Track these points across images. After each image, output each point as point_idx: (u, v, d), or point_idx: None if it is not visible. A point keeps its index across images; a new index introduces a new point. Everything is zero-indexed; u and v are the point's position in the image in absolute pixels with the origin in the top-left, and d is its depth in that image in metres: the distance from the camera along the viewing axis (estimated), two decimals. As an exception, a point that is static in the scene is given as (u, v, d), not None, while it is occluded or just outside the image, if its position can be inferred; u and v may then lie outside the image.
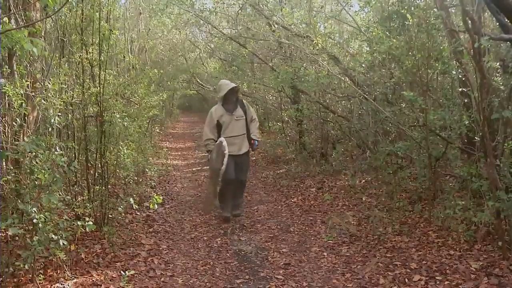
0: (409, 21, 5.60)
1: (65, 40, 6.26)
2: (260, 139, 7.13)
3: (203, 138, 6.50)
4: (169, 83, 16.90)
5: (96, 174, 5.94)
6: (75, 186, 5.94)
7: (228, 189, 6.43)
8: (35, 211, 3.77)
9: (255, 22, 10.64)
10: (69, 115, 5.97)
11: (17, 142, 4.24)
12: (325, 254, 5.11)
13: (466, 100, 5.35)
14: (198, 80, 19.75)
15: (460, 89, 5.47)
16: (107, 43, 6.01)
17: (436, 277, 4.03)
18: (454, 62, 5.44)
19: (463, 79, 5.27)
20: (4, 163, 4.50)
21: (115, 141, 6.30)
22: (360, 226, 5.77)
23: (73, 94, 5.93)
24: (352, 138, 9.03)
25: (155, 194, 5.78)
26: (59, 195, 4.42)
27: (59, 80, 5.34)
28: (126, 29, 11.44)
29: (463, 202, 4.85)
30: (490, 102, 4.34)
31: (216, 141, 6.24)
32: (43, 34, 5.44)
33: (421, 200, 6.00)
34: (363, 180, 7.72)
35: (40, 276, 4.06)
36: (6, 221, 3.67)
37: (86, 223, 4.34)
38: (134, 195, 6.54)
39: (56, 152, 4.29)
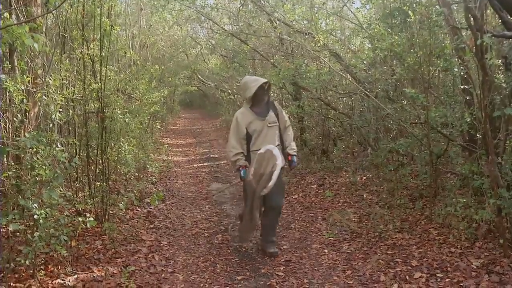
0: (411, 18, 5.58)
1: (66, 35, 6.25)
2: (297, 153, 5.24)
3: (229, 153, 4.92)
4: (170, 79, 16.90)
5: (97, 170, 5.94)
6: (76, 182, 5.95)
7: (265, 219, 5.09)
8: (36, 207, 3.77)
9: (257, 19, 10.61)
10: (70, 111, 5.97)
11: (18, 138, 4.24)
12: (326, 251, 5.10)
13: (467, 98, 5.34)
14: (199, 76, 19.75)
15: (462, 87, 5.45)
16: (108, 39, 6.01)
17: (437, 275, 4.03)
18: (456, 59, 5.43)
19: (465, 76, 5.26)
20: (5, 159, 4.50)
21: (116, 137, 6.30)
22: (361, 223, 5.76)
23: (74, 90, 5.93)
24: (353, 135, 9.02)
25: (156, 190, 5.80)
26: (60, 191, 4.43)
27: (60, 76, 5.34)
28: (127, 25, 11.43)
29: (464, 200, 4.85)
30: (492, 100, 4.33)
31: (244, 154, 4.90)
32: (44, 30, 5.44)
33: (422, 197, 5.99)
34: (364, 177, 7.71)
35: (41, 272, 4.06)
36: (7, 217, 3.67)
37: (87, 219, 4.35)
38: (135, 191, 6.56)
39: (57, 148, 4.29)
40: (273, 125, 4.92)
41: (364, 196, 6.85)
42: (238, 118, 4.91)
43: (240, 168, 4.85)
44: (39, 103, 5.02)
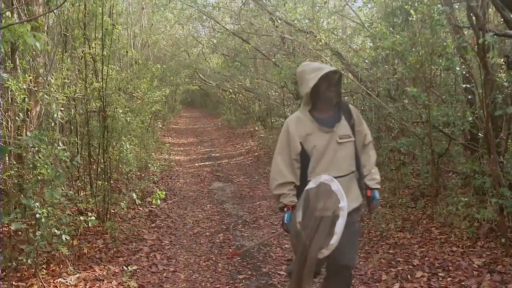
0: (413, 17, 5.57)
1: (67, 34, 6.26)
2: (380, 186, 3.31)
3: (272, 181, 3.12)
4: (171, 78, 16.90)
5: (98, 169, 5.95)
6: (78, 181, 5.96)
7: (329, 284, 3.29)
8: (37, 206, 3.78)
9: (258, 18, 10.60)
10: (72, 110, 5.98)
11: (19, 137, 4.25)
12: (327, 250, 5.09)
13: (469, 97, 5.33)
14: (201, 75, 19.73)
15: (463, 85, 5.44)
16: (109, 38, 6.02)
17: (439, 274, 4.02)
18: (458, 58, 5.42)
19: (467, 75, 5.25)
20: (7, 158, 4.50)
21: (118, 136, 6.30)
22: (363, 222, 5.75)
23: (75, 89, 5.94)
24: (355, 134, 8.99)
25: (158, 190, 5.79)
26: (62, 190, 4.44)
27: (62, 75, 5.34)
28: (129, 24, 11.42)
29: (466, 199, 4.84)
30: (493, 99, 4.32)
31: (297, 186, 3.06)
32: (45, 29, 5.44)
33: (423, 196, 5.98)
34: (366, 176, 7.69)
35: (42, 271, 4.07)
36: (9, 216, 3.68)
37: (89, 218, 4.36)
38: (137, 190, 6.56)
39: (58, 147, 4.30)
40: (346, 140, 3.04)
41: (366, 195, 6.84)
42: (290, 127, 3.07)
43: (285, 209, 3.05)
44: (40, 102, 5.02)
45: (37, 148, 4.01)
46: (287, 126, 3.12)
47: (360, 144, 3.19)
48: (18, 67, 4.79)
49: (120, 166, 6.92)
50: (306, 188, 2.91)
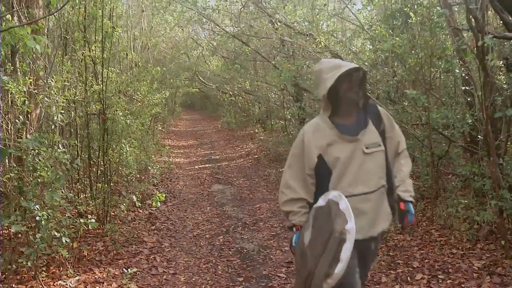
0: (412, 19, 5.58)
1: (68, 37, 6.27)
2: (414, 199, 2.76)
3: (280, 195, 2.74)
4: (171, 80, 16.93)
5: (98, 171, 5.95)
6: (78, 183, 5.95)
7: None
8: (37, 209, 3.78)
9: (258, 20, 10.63)
10: (72, 112, 5.98)
11: (20, 140, 4.25)
12: (327, 252, 5.09)
13: (469, 99, 5.34)
14: (201, 78, 19.76)
15: (463, 88, 5.45)
16: (109, 40, 6.03)
17: (439, 276, 4.02)
18: (457, 60, 5.43)
19: (466, 77, 5.26)
20: (7, 161, 4.51)
21: (118, 138, 6.31)
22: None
23: (75, 92, 5.95)
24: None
25: (158, 192, 5.80)
26: (62, 192, 4.44)
27: (62, 77, 5.35)
28: (129, 27, 11.43)
29: (465, 201, 4.84)
30: (493, 101, 4.33)
31: (314, 204, 2.60)
32: (46, 32, 5.45)
33: (423, 198, 5.98)
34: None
35: (42, 273, 4.07)
36: (9, 219, 3.68)
37: (89, 220, 4.36)
38: (137, 193, 6.56)
39: (58, 150, 4.31)
40: (375, 149, 2.58)
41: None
42: (306, 136, 2.61)
43: (294, 230, 2.67)
44: (40, 105, 5.03)
45: (37, 151, 4.01)
46: (302, 135, 2.63)
47: (392, 153, 2.71)
48: (18, 69, 4.80)
49: (120, 168, 6.92)
50: (314, 205, 2.53)
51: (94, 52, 5.97)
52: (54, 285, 4.02)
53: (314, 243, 2.43)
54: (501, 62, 4.64)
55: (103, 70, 5.87)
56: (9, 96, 4.54)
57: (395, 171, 2.71)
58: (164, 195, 5.37)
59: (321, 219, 2.45)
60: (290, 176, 2.66)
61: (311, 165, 2.57)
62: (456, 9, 6.32)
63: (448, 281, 3.91)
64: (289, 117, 11.94)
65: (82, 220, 4.44)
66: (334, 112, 2.59)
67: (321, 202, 2.51)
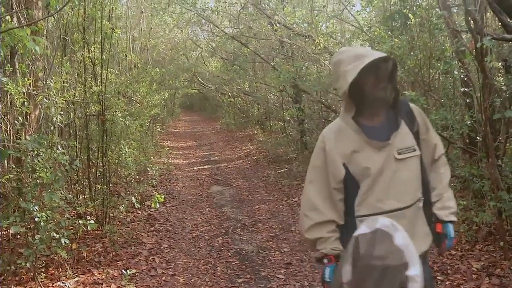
0: (411, 21, 5.59)
1: (67, 38, 6.27)
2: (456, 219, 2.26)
3: (303, 219, 2.20)
4: (170, 82, 16.92)
5: (97, 172, 5.95)
6: (77, 184, 5.95)
7: None
8: (36, 210, 3.78)
9: (257, 21, 10.64)
10: (71, 113, 5.98)
11: (19, 141, 4.25)
12: (326, 253, 5.09)
13: (468, 100, 5.35)
14: (200, 79, 19.78)
15: (462, 89, 5.46)
16: (109, 41, 6.04)
17: (438, 277, 4.02)
18: (456, 62, 5.44)
19: (465, 79, 5.27)
20: (6, 162, 4.51)
21: (117, 140, 6.31)
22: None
23: (75, 93, 5.95)
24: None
25: (157, 193, 5.80)
26: (61, 193, 4.44)
27: (61, 78, 5.35)
28: (128, 28, 11.44)
29: (464, 202, 4.84)
30: (492, 102, 4.33)
31: (337, 225, 2.16)
32: (45, 33, 5.46)
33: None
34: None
35: (41, 275, 4.07)
36: (8, 220, 3.68)
37: (88, 221, 4.36)
38: (136, 194, 6.55)
39: (58, 151, 4.30)
40: (409, 155, 2.11)
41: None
42: (328, 143, 2.16)
43: (325, 261, 2.17)
44: (40, 106, 5.03)
45: (36, 152, 4.01)
46: (322, 142, 2.16)
47: (428, 159, 2.23)
48: (18, 70, 4.80)
49: (119, 169, 6.92)
50: (355, 233, 1.91)
51: (93, 53, 5.97)
52: (53, 286, 4.02)
53: (358, 277, 1.84)
54: (500, 63, 4.65)
55: (102, 71, 5.87)
56: (8, 97, 4.54)
57: (433, 182, 2.22)
58: (163, 196, 5.37)
59: (367, 253, 1.83)
60: (314, 194, 2.14)
61: (339, 177, 2.08)
62: (455, 10, 6.33)
63: (447, 282, 3.92)
64: (288, 118, 11.95)
65: (81, 221, 4.44)
66: (359, 111, 2.12)
67: (364, 229, 1.91)
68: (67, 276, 4.20)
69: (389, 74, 2.13)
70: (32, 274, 3.96)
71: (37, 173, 3.97)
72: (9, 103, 4.63)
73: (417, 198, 2.10)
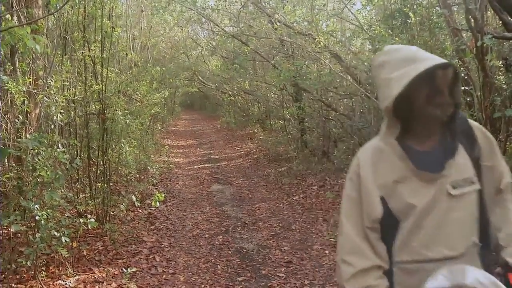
0: (412, 20, 5.59)
1: (67, 37, 6.27)
2: None
3: (343, 266, 1.62)
4: (171, 80, 16.93)
5: (98, 171, 5.95)
6: (77, 183, 5.95)
7: None
8: (37, 208, 3.78)
9: (257, 20, 10.64)
10: (71, 112, 5.99)
11: (19, 139, 4.26)
12: (327, 252, 5.10)
13: (468, 99, 5.34)
14: (200, 77, 19.78)
15: (462, 88, 5.46)
16: (109, 40, 6.04)
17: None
18: (457, 60, 5.43)
19: (466, 77, 5.26)
20: (6, 160, 4.51)
21: (117, 138, 6.32)
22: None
23: (75, 92, 5.95)
24: (354, 136, 9.02)
25: (157, 192, 5.81)
26: (61, 192, 4.44)
27: (61, 77, 5.36)
28: (128, 27, 11.44)
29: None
30: (492, 101, 4.33)
31: (384, 270, 1.62)
32: (45, 32, 5.46)
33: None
34: (365, 178, 7.70)
35: (42, 273, 4.07)
36: (9, 218, 3.68)
37: (88, 220, 4.36)
38: (136, 193, 6.57)
39: (58, 150, 4.31)
40: (467, 189, 1.61)
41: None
42: (363, 169, 1.68)
43: None
44: (40, 105, 5.03)
45: (36, 150, 4.01)
46: (357, 165, 1.70)
47: (491, 192, 1.71)
48: (18, 69, 4.80)
49: (120, 168, 6.92)
50: (428, 285, 1.48)
51: (93, 52, 5.97)
52: (53, 285, 4.02)
53: None
54: (500, 62, 4.65)
55: (102, 70, 5.87)
56: (9, 95, 4.54)
57: (499, 221, 1.71)
58: (163, 195, 5.38)
59: None
60: (352, 233, 1.64)
61: (374, 215, 1.60)
62: (455, 9, 6.32)
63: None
64: (288, 117, 11.95)
65: (81, 220, 4.45)
66: (405, 131, 1.64)
67: (442, 281, 1.47)
68: (68, 275, 4.21)
69: (449, 86, 1.61)
70: (32, 272, 3.97)
71: (38, 172, 3.98)
72: (9, 101, 4.63)
73: (473, 244, 1.61)
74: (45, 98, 4.91)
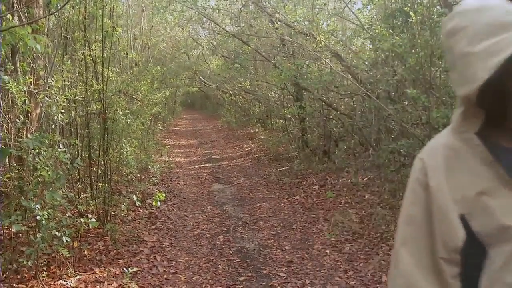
0: (412, 19, 5.58)
1: (68, 37, 6.27)
2: None
3: None
4: (171, 80, 16.92)
5: (99, 171, 5.95)
6: (78, 183, 5.96)
7: None
8: (38, 208, 3.79)
9: (258, 20, 10.63)
10: (72, 112, 5.99)
11: (20, 139, 4.26)
12: (327, 251, 5.11)
13: None
14: (201, 77, 19.78)
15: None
16: (110, 40, 6.04)
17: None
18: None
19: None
20: (7, 160, 4.51)
21: (118, 138, 6.31)
22: (363, 224, 5.76)
23: (76, 91, 5.95)
24: (355, 136, 9.02)
25: (158, 191, 5.80)
26: (62, 192, 4.44)
27: (62, 77, 5.35)
28: (129, 26, 11.44)
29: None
30: None
31: None
32: (46, 31, 5.45)
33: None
34: (366, 178, 7.71)
35: (43, 273, 4.08)
36: (10, 218, 3.69)
37: (89, 220, 4.37)
38: (137, 192, 6.56)
39: (59, 149, 4.31)
40: None
41: (366, 196, 6.85)
42: (432, 177, 1.14)
43: None
44: (41, 104, 5.03)
45: (37, 150, 4.01)
46: (423, 175, 1.17)
47: None
48: (19, 69, 4.80)
49: (120, 168, 6.92)
50: None
51: (94, 51, 5.97)
52: (54, 285, 4.03)
53: None
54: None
55: (103, 70, 5.87)
56: (10, 95, 4.54)
57: None
58: (164, 195, 5.38)
59: None
60: (409, 264, 1.16)
61: (453, 242, 1.11)
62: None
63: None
64: (289, 116, 11.94)
65: (82, 220, 4.45)
66: (490, 124, 1.15)
67: None
68: (69, 275, 4.21)
69: None
70: (33, 272, 3.97)
71: (39, 172, 3.98)
72: (10, 101, 4.63)
73: None
74: (46, 98, 4.91)
